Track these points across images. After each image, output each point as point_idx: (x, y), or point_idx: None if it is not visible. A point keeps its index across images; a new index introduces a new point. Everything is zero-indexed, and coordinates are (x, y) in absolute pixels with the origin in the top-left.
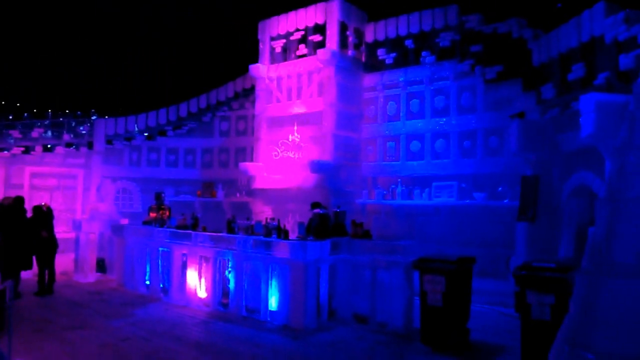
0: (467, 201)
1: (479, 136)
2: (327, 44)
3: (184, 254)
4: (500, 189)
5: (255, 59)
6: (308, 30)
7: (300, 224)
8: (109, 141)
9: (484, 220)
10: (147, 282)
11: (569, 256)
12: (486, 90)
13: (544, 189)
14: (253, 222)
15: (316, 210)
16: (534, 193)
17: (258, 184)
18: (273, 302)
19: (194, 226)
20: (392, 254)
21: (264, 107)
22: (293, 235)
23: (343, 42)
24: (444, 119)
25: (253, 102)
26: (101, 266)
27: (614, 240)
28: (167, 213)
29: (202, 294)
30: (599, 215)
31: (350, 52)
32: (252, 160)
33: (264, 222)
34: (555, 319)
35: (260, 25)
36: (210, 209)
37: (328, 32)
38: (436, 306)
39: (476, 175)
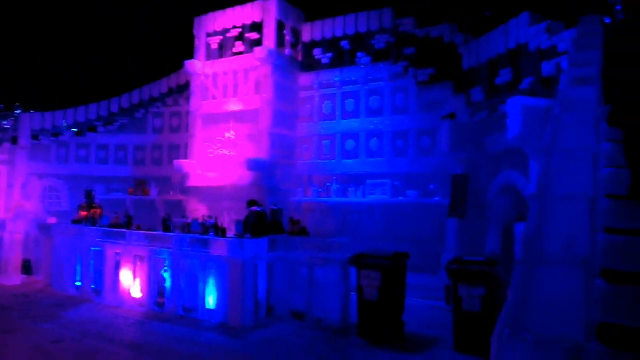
0: (400, 199)
1: (412, 136)
2: (265, 42)
3: (117, 254)
4: (431, 187)
5: (190, 54)
6: (245, 28)
7: (238, 222)
8: (35, 136)
9: (416, 217)
10: (78, 283)
11: (495, 251)
12: (419, 92)
13: (472, 187)
14: (190, 220)
15: (253, 208)
16: (463, 191)
17: (193, 182)
18: (211, 301)
19: (128, 225)
20: (328, 250)
21: (199, 104)
22: (230, 233)
23: (280, 41)
24: (379, 119)
25: (188, 99)
26: (27, 268)
27: (544, 232)
28: (99, 211)
29: (137, 294)
30: (530, 211)
31: (287, 51)
32: (186, 158)
33: (200, 220)
34: (485, 310)
35: (196, 20)
36: (143, 207)
37: (265, 31)
38: (372, 300)
39: (409, 173)
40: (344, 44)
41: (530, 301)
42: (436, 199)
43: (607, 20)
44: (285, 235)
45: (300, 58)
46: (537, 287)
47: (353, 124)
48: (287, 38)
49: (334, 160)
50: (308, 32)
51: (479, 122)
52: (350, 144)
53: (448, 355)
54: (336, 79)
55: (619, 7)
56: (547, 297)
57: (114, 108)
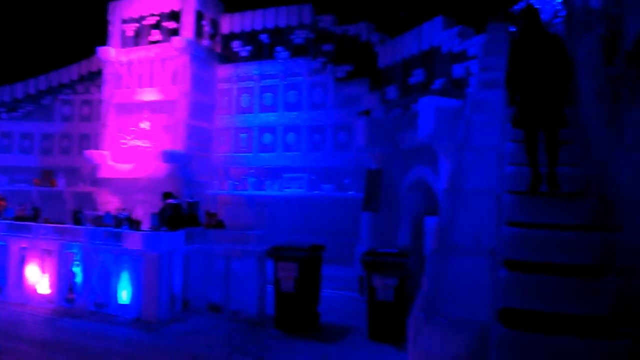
0: (316, 192)
1: (329, 131)
2: (183, 32)
3: (23, 248)
4: (347, 181)
5: (103, 41)
6: (163, 16)
7: (153, 215)
8: None
9: (332, 210)
10: None
11: (406, 243)
12: (336, 88)
13: (386, 182)
14: (102, 213)
15: (169, 201)
16: (377, 186)
17: (104, 173)
18: (124, 296)
19: (35, 217)
20: (245, 243)
21: (113, 92)
22: (145, 226)
23: (199, 31)
24: (296, 113)
25: (100, 87)
26: None
27: (455, 225)
28: (3, 203)
29: (45, 290)
30: (441, 205)
31: (205, 42)
32: (98, 148)
33: (113, 213)
34: (397, 299)
35: (111, 6)
36: (50, 199)
37: (184, 20)
38: (289, 292)
39: (325, 168)
40: (263, 37)
41: (442, 288)
42: (351, 193)
43: (512, 29)
44: (202, 228)
45: (218, 50)
46: (449, 276)
47: (271, 117)
48: (206, 29)
49: (251, 154)
50: (227, 24)
51: (393, 119)
52: (267, 137)
53: (362, 343)
54: (255, 73)
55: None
56: (458, 285)
57: (19, 94)
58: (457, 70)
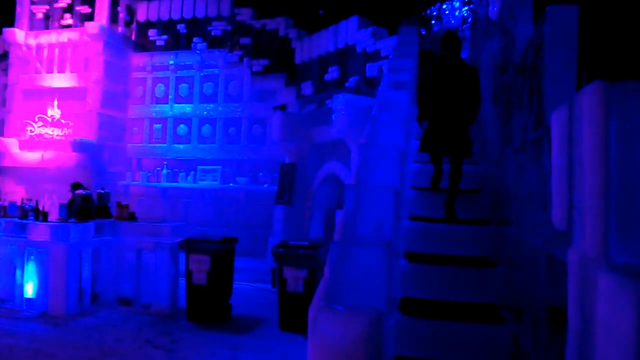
0: (231, 185)
1: (244, 124)
2: (96, 18)
3: None
4: (261, 174)
5: (10, 22)
6: (75, 0)
7: (62, 206)
8: None
9: (246, 203)
10: None
11: (319, 235)
12: (253, 82)
13: (299, 175)
14: (6, 203)
15: (78, 192)
16: (290, 179)
17: (9, 162)
18: (30, 289)
19: None
20: (157, 235)
21: (19, 77)
22: (53, 217)
23: (113, 18)
24: (212, 105)
25: (5, 70)
26: None
27: (358, 218)
28: None
29: None
30: (347, 198)
31: (120, 29)
32: (2, 135)
33: (19, 204)
34: (307, 291)
35: None
36: None
37: (97, 5)
38: (201, 284)
39: (240, 160)
40: (181, 27)
41: (343, 278)
42: (265, 186)
43: (423, 32)
44: (113, 220)
45: (134, 38)
46: (350, 266)
47: (186, 108)
48: (121, 15)
49: (165, 145)
50: (144, 12)
51: (308, 114)
52: (182, 128)
53: (273, 333)
54: (170, 62)
55: (433, 21)
56: (358, 274)
57: None
58: (371, 69)
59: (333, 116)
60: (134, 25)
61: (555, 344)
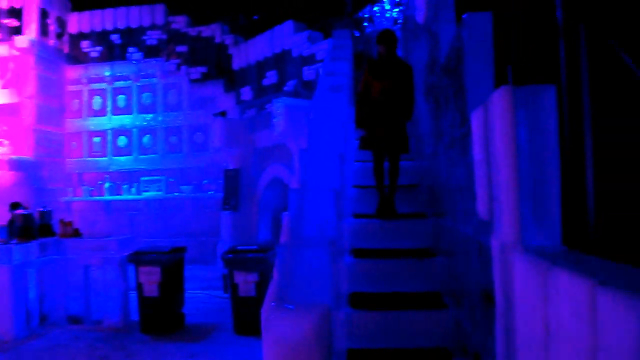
0: (176, 194)
1: (185, 132)
2: (25, 31)
3: None
4: (205, 181)
5: None
6: (1, 13)
7: (1, 227)
8: None
9: (192, 211)
10: None
11: (267, 239)
12: (191, 89)
13: (244, 180)
14: None
15: (17, 211)
16: (235, 185)
17: None
18: None
19: None
20: (104, 250)
21: None
22: None
23: (44, 30)
24: (151, 115)
25: None
26: None
27: (302, 220)
28: None
29: None
30: (291, 201)
31: (52, 42)
32: None
33: None
34: (259, 294)
35: None
36: None
37: (26, 18)
38: (153, 296)
39: (183, 169)
40: (115, 37)
41: (292, 278)
42: (211, 193)
43: (356, 34)
44: (57, 238)
45: (67, 50)
46: (298, 266)
47: (125, 120)
48: (52, 27)
49: (105, 158)
50: (75, 23)
51: (248, 120)
52: (122, 140)
53: (228, 338)
54: (107, 74)
55: (365, 23)
56: (306, 274)
57: None
58: (308, 72)
59: (273, 120)
60: (66, 37)
61: (490, 324)
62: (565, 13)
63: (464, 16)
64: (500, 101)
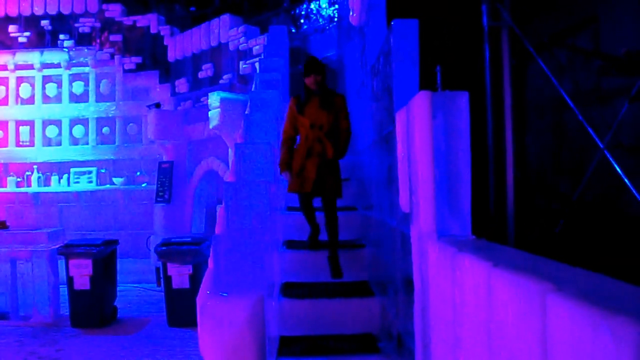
0: (107, 186)
1: (118, 123)
2: None
3: None
4: (138, 173)
5: None
6: None
7: None
8: None
9: (125, 204)
10: None
11: (201, 231)
12: (125, 80)
13: (178, 173)
14: None
15: None
16: (169, 177)
17: None
18: None
19: None
20: (33, 243)
21: None
22: None
23: None
24: (83, 105)
25: None
26: None
27: (237, 212)
28: None
29: None
30: (226, 194)
31: None
32: None
33: None
34: (193, 286)
35: None
36: None
37: None
38: (84, 289)
39: (115, 161)
40: (45, 24)
41: (227, 268)
42: (144, 185)
43: (293, 29)
44: None
45: None
46: (232, 256)
47: (55, 109)
48: None
49: (34, 148)
50: (1, 6)
51: (183, 112)
52: (52, 130)
53: (162, 331)
54: (36, 61)
55: (302, 20)
56: (240, 264)
57: None
58: (244, 66)
59: (209, 113)
60: None
61: (410, 308)
62: (490, 20)
63: (392, 22)
64: (419, 105)
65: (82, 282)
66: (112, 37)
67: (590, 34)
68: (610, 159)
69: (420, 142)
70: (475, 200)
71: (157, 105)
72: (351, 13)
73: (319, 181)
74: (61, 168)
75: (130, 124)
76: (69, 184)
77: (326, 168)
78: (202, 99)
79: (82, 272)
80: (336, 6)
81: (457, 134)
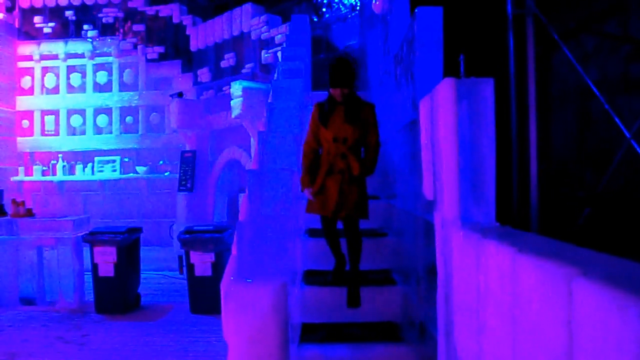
0: (131, 175)
1: (142, 113)
2: None
3: None
4: (161, 162)
5: None
6: None
7: None
8: None
9: (148, 192)
10: None
11: (223, 220)
12: (148, 69)
13: (200, 162)
14: None
15: None
16: (192, 166)
17: None
18: None
19: None
20: (59, 230)
21: None
22: None
23: None
24: (107, 95)
25: None
26: None
27: (261, 199)
28: None
29: None
30: (249, 182)
31: (1, 16)
32: None
33: None
34: (216, 274)
35: None
36: None
37: None
38: (108, 276)
39: (139, 150)
40: (69, 14)
41: (250, 255)
42: (166, 174)
43: (315, 18)
44: (8, 218)
45: (18, 25)
46: (256, 243)
47: (79, 99)
48: (2, 1)
49: (58, 137)
50: None
51: (206, 101)
52: (76, 119)
53: (184, 318)
54: (61, 51)
55: (324, 9)
56: (264, 251)
57: None
58: (266, 56)
59: (231, 102)
60: (17, 11)
61: (433, 295)
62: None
63: (416, 10)
64: (444, 92)
65: (107, 269)
66: (135, 27)
67: (618, 19)
68: (638, 148)
69: (445, 129)
70: (499, 190)
71: (180, 95)
72: (374, 1)
73: (342, 201)
74: (85, 157)
75: (153, 114)
76: (93, 173)
77: (350, 185)
78: (224, 89)
79: (106, 259)
80: None
81: (482, 121)
